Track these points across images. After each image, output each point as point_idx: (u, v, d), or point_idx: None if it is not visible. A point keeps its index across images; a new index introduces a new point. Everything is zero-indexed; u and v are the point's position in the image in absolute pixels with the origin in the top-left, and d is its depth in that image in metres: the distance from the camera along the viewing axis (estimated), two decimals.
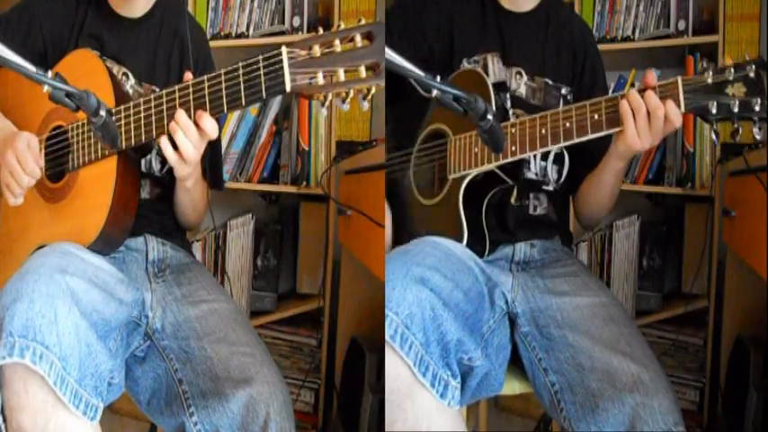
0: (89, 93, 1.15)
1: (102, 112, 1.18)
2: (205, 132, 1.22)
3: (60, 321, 1.10)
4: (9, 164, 1.32)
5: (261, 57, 1.13)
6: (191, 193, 1.45)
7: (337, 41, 1.10)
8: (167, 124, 1.22)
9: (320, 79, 1.10)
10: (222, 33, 2.37)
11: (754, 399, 1.82)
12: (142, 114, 1.25)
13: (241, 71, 1.15)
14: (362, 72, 1.09)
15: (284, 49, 1.11)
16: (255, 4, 2.36)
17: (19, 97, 1.46)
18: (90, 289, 1.18)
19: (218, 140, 1.63)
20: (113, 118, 1.26)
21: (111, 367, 1.20)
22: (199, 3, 2.36)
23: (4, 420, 1.09)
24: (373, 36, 1.09)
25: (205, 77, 1.20)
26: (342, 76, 1.10)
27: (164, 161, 1.46)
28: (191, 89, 1.21)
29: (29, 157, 1.31)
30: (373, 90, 1.10)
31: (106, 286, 1.23)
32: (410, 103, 1.53)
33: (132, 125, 1.26)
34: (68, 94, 1.13)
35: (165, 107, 1.23)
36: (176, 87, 1.23)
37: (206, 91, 1.19)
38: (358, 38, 1.10)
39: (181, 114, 1.21)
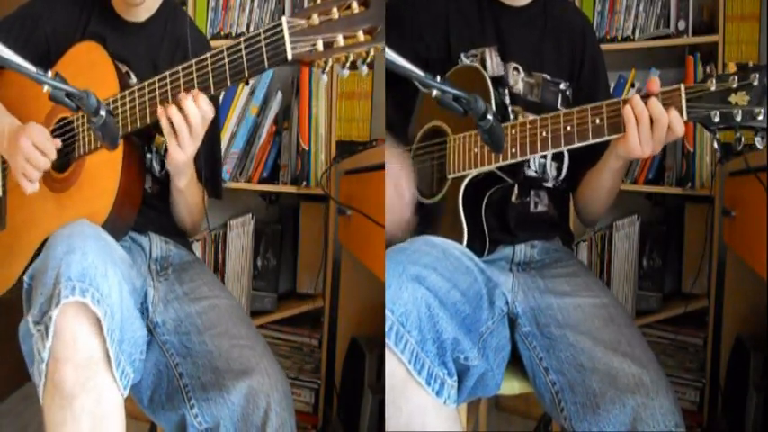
0: (89, 93, 1.15)
1: (103, 112, 1.18)
2: (204, 110, 1.24)
3: (110, 277, 1.13)
4: (25, 150, 1.33)
5: (261, 29, 1.16)
6: (185, 195, 1.45)
7: (335, 9, 1.14)
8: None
9: (320, 46, 1.14)
10: (222, 33, 2.37)
11: (754, 399, 1.81)
12: (147, 97, 1.27)
13: (243, 45, 1.18)
14: (360, 36, 1.13)
15: (284, 20, 1.14)
16: (255, 4, 2.36)
17: (22, 96, 1.47)
18: (121, 260, 1.21)
19: (218, 149, 1.63)
20: (118, 101, 1.29)
21: (142, 339, 1.22)
22: (199, 3, 2.36)
23: (46, 374, 1.10)
24: (369, 2, 1.13)
25: (208, 54, 1.22)
26: (341, 41, 1.13)
27: (163, 162, 1.46)
28: (194, 67, 1.23)
29: (44, 140, 1.34)
30: (372, 53, 1.14)
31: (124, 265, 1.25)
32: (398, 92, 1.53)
33: (137, 107, 1.28)
34: (68, 94, 1.14)
35: (169, 87, 1.25)
36: (180, 68, 1.25)
37: (209, 68, 1.21)
38: (354, 4, 1.13)
39: (183, 97, 1.23)
